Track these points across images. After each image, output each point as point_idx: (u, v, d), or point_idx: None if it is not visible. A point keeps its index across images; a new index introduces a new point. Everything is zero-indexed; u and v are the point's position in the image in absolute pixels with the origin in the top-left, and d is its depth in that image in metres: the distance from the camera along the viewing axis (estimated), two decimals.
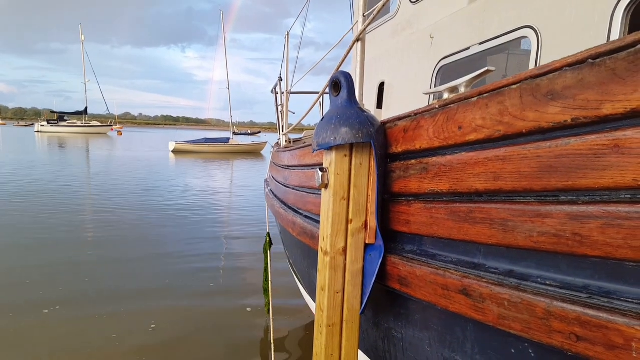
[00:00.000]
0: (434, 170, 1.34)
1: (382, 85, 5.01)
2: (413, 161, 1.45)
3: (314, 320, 1.79)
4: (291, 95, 4.87)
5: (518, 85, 1.05)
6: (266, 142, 37.45)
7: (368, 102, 5.17)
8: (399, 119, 1.50)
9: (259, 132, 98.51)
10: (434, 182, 1.35)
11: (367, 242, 1.64)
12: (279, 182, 3.56)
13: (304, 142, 3.56)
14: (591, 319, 0.90)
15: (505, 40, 3.00)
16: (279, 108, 5.25)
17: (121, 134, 66.07)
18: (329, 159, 1.62)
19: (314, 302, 1.98)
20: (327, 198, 1.64)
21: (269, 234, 4.90)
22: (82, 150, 31.44)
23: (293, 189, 2.83)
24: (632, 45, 0.82)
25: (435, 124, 1.32)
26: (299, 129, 4.88)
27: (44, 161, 21.58)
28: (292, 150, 2.94)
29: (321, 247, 1.69)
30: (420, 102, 3.98)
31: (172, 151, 32.73)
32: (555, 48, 2.64)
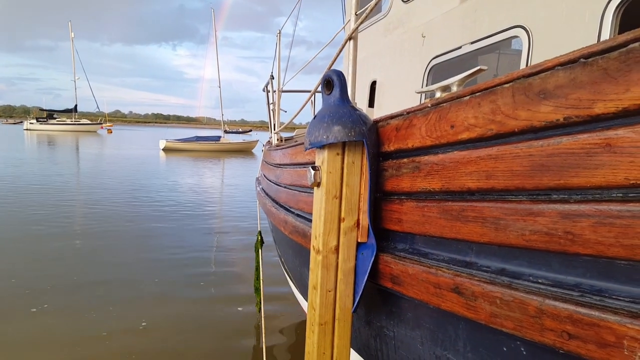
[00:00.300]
0: (426, 169, 1.34)
1: (374, 84, 5.01)
2: (405, 160, 1.45)
3: (306, 319, 1.79)
4: (283, 93, 4.86)
5: (510, 84, 1.05)
6: (257, 141, 37.37)
7: (360, 101, 5.17)
8: (392, 117, 1.50)
9: (250, 131, 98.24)
10: (426, 181, 1.35)
11: (359, 240, 1.63)
12: (270, 181, 3.55)
13: (296, 141, 3.55)
14: (583, 317, 0.90)
15: (497, 39, 3.01)
16: (271, 106, 5.24)
17: (111, 132, 65.60)
18: (321, 157, 1.62)
19: (306, 300, 1.98)
20: (319, 196, 1.63)
21: (260, 232, 4.89)
22: (72, 148, 31.18)
23: (285, 187, 2.82)
24: (624, 44, 0.83)
25: (427, 122, 1.32)
26: (291, 127, 4.88)
27: (33, 159, 21.39)
28: (283, 148, 2.94)
29: (313, 246, 1.69)
30: (412, 101, 3.98)
31: (163, 149, 32.56)
32: (546, 48, 2.65)
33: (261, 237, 4.86)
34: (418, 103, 1.44)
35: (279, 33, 4.74)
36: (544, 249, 1.01)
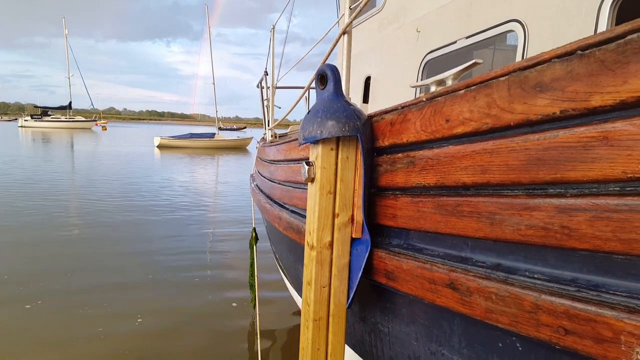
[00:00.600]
0: (421, 164, 1.33)
1: (368, 79, 5.00)
2: (400, 155, 1.43)
3: (300, 315, 1.78)
4: (277, 90, 4.85)
5: (506, 77, 1.04)
6: (252, 138, 37.34)
7: (354, 97, 5.15)
8: (386, 112, 1.49)
9: (245, 128, 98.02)
10: (421, 176, 1.33)
11: (353, 236, 1.62)
12: (264, 177, 3.54)
13: (290, 137, 3.54)
14: (579, 312, 0.89)
15: (492, 34, 3.00)
16: (265, 102, 5.22)
17: (105, 129, 65.34)
18: (315, 153, 1.60)
19: (300, 296, 1.97)
20: (313, 192, 1.62)
21: (254, 229, 4.87)
22: (67, 145, 31.03)
23: (279, 183, 2.81)
24: (622, 36, 0.81)
25: (422, 117, 1.31)
26: (285, 124, 4.86)
27: (30, 157, 21.27)
28: (278, 144, 2.92)
29: (307, 242, 1.68)
30: (407, 96, 3.96)
31: (157, 146, 32.48)
32: (542, 42, 2.64)
33: (256, 234, 4.84)
34: (413, 98, 1.43)
35: (273, 29, 4.72)
36: (540, 243, 1.00)
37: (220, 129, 40.77)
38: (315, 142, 1.59)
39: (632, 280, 0.87)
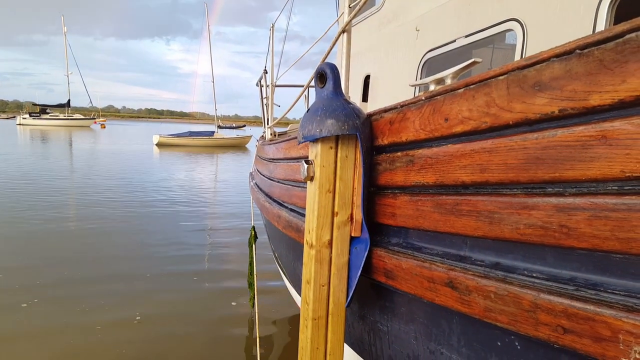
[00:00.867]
0: (420, 163, 1.33)
1: (367, 78, 5.00)
2: (399, 153, 1.43)
3: (299, 314, 1.78)
4: (276, 88, 4.84)
5: (505, 76, 1.04)
6: (251, 136, 37.29)
7: (354, 96, 5.15)
8: (385, 110, 1.49)
9: (244, 126, 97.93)
10: (420, 175, 1.33)
11: (352, 235, 1.62)
12: (264, 176, 3.54)
13: (289, 135, 3.54)
14: (578, 311, 0.89)
15: (491, 33, 3.00)
16: (264, 101, 5.21)
17: (104, 127, 65.27)
18: (315, 151, 1.60)
19: (299, 295, 1.98)
20: (312, 191, 1.62)
21: (254, 227, 4.87)
22: (65, 143, 30.98)
23: (278, 182, 2.81)
24: (620, 35, 0.81)
25: (421, 115, 1.31)
26: (284, 122, 4.86)
27: (28, 155, 21.24)
28: (277, 143, 2.92)
29: (306, 240, 1.68)
30: (406, 95, 3.96)
31: (156, 144, 32.41)
32: (540, 41, 2.64)
33: (255, 232, 4.84)
34: (412, 97, 1.43)
35: (272, 27, 4.71)
36: (539, 242, 1.00)
37: (219, 127, 40.72)
38: (315, 140, 1.58)
39: (631, 279, 0.87)
